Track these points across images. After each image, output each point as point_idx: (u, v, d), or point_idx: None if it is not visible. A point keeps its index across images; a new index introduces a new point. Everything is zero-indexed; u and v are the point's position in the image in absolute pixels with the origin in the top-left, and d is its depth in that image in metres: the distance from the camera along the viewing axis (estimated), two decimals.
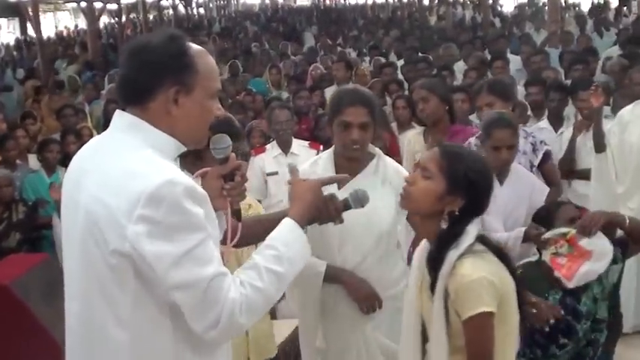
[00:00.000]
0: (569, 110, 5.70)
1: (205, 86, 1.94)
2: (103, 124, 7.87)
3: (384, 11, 30.00)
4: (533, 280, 3.05)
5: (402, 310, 3.13)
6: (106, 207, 1.80)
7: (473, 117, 5.22)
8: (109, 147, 1.93)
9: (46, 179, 5.82)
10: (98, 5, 17.87)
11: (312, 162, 3.26)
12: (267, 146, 5.42)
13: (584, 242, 3.02)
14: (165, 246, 1.78)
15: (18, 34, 29.19)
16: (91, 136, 6.27)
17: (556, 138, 5.45)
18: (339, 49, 14.28)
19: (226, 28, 24.26)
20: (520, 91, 6.60)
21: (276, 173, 5.18)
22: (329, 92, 7.53)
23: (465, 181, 2.30)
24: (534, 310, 2.95)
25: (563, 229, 3.09)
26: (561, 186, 4.77)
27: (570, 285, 3.05)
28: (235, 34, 21.37)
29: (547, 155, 4.36)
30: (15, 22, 31.42)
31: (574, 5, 23.63)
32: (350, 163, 3.09)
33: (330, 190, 2.43)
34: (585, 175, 5.10)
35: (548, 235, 3.13)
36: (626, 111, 4.94)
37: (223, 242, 2.09)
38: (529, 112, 6.06)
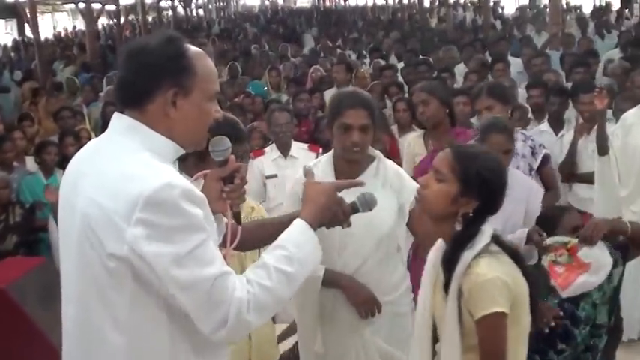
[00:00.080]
0: (570, 113, 5.68)
1: (204, 88, 1.93)
2: (102, 127, 7.84)
3: (384, 13, 30.06)
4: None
5: (402, 315, 3.14)
6: (103, 210, 1.79)
7: (474, 120, 5.20)
8: (106, 150, 1.92)
9: (44, 181, 5.79)
10: (96, 6, 17.90)
11: (312, 165, 3.22)
12: (267, 149, 5.39)
13: (584, 253, 3.05)
14: (166, 247, 1.77)
15: (16, 35, 29.20)
16: (89, 138, 6.24)
17: (556, 141, 5.44)
18: (339, 51, 14.20)
19: (225, 29, 24.21)
20: (521, 93, 6.59)
21: (275, 176, 5.16)
22: (329, 95, 7.51)
23: (478, 181, 2.29)
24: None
25: (565, 238, 3.12)
26: (559, 190, 4.76)
27: (564, 295, 3.07)
28: (234, 36, 21.35)
29: (546, 159, 4.38)
30: (13, 23, 31.48)
31: (575, 8, 23.67)
32: (350, 166, 3.07)
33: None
34: (586, 178, 5.09)
35: (549, 241, 3.15)
36: (630, 114, 4.91)
37: (223, 245, 2.07)
38: (530, 115, 6.05)
